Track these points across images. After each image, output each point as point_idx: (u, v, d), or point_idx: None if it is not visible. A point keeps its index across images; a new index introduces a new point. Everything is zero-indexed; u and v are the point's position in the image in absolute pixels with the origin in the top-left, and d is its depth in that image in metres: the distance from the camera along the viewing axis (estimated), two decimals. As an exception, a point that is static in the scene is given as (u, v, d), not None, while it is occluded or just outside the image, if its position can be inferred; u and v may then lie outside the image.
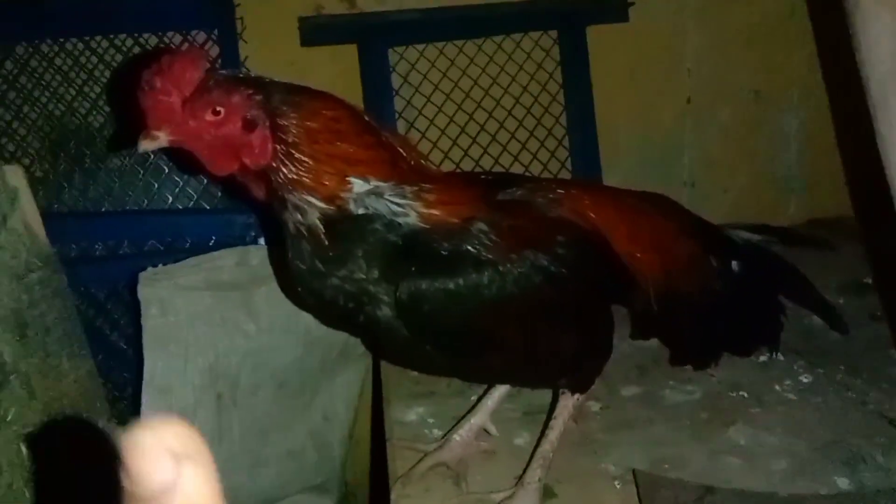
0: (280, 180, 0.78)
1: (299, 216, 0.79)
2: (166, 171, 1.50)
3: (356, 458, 1.53)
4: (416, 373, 1.25)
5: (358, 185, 0.80)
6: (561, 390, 0.95)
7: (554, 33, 1.65)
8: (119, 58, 1.49)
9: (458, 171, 1.56)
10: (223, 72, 0.84)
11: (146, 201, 1.49)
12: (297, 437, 1.31)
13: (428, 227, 0.81)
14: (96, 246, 1.39)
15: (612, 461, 0.99)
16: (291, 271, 0.85)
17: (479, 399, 1.07)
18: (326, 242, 0.80)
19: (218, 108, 0.76)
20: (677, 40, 1.73)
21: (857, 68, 0.88)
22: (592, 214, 0.91)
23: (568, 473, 0.96)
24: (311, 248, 0.80)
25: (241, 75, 0.84)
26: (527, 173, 1.61)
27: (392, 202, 0.81)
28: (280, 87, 0.80)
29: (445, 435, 1.04)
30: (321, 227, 0.79)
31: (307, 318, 1.27)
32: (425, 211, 0.82)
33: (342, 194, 0.79)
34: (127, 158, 1.49)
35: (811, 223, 1.81)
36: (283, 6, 1.55)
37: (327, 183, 0.78)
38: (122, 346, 1.33)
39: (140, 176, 1.49)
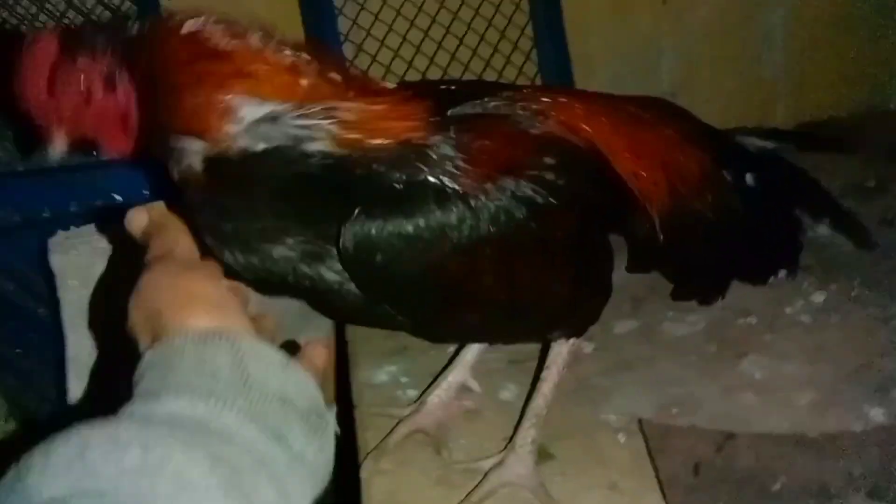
0: (156, 130, 0.63)
1: (177, 165, 0.63)
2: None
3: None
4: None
5: (247, 113, 0.62)
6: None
7: (514, -71, 1.47)
8: None
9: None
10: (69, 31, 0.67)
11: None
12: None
13: (357, 154, 0.63)
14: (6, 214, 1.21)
15: (613, 410, 0.87)
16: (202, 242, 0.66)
17: (458, 351, 0.93)
18: (218, 194, 0.63)
19: (78, 80, 0.63)
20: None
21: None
22: (586, 127, 0.74)
23: (564, 428, 0.84)
24: (201, 204, 0.64)
25: (85, 32, 0.66)
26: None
27: (292, 125, 0.62)
28: (129, 27, 0.64)
29: (421, 396, 0.90)
30: (204, 172, 0.62)
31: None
32: (342, 132, 0.63)
33: (227, 127, 0.62)
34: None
35: (801, 127, 1.67)
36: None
37: (203, 116, 0.62)
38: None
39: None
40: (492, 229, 0.65)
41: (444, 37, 1.45)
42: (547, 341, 0.84)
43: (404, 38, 1.44)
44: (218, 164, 0.62)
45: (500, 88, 0.78)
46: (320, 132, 0.63)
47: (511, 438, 0.80)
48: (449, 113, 0.70)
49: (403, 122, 0.66)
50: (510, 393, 0.92)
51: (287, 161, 0.62)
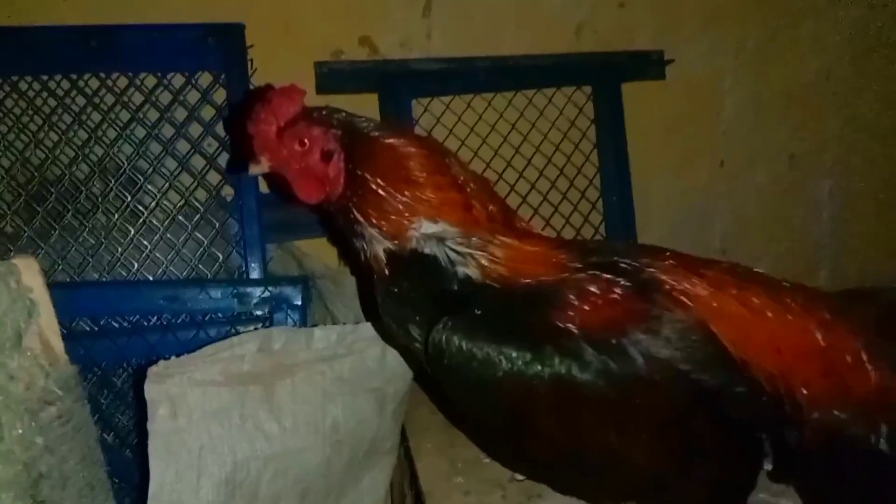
0: (351, 211, 0.81)
1: (367, 247, 0.82)
2: (159, 230, 1.30)
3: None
4: (461, 479, 1.09)
5: (424, 226, 0.79)
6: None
7: (588, 89, 1.53)
8: (110, 99, 1.30)
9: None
10: (317, 108, 0.87)
11: (136, 266, 1.28)
12: (320, 550, 1.12)
13: (488, 282, 0.76)
14: (77, 321, 1.17)
15: None
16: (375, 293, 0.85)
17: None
18: (388, 275, 0.81)
19: (304, 140, 0.82)
20: (714, 101, 1.63)
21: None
22: (735, 301, 0.76)
23: None
24: (377, 277, 0.82)
25: (329, 111, 0.85)
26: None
27: (452, 249, 0.78)
28: (363, 122, 0.83)
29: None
30: (384, 259, 0.81)
31: (335, 413, 1.09)
32: (489, 265, 0.77)
33: (407, 232, 0.79)
34: (115, 214, 1.29)
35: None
36: (299, 49, 1.39)
37: (393, 219, 0.79)
38: (115, 444, 1.11)
39: (129, 236, 1.29)
40: (581, 377, 0.69)
41: (516, 180, 1.48)
42: None
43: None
44: (395, 256, 0.80)
45: (637, 251, 0.81)
46: (472, 261, 0.77)
47: None
48: (585, 263, 0.77)
49: (543, 268, 0.76)
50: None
51: (441, 275, 0.78)
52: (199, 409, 0.97)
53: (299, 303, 1.18)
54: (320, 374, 1.08)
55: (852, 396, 0.76)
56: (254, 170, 0.83)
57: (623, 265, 0.78)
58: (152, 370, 0.93)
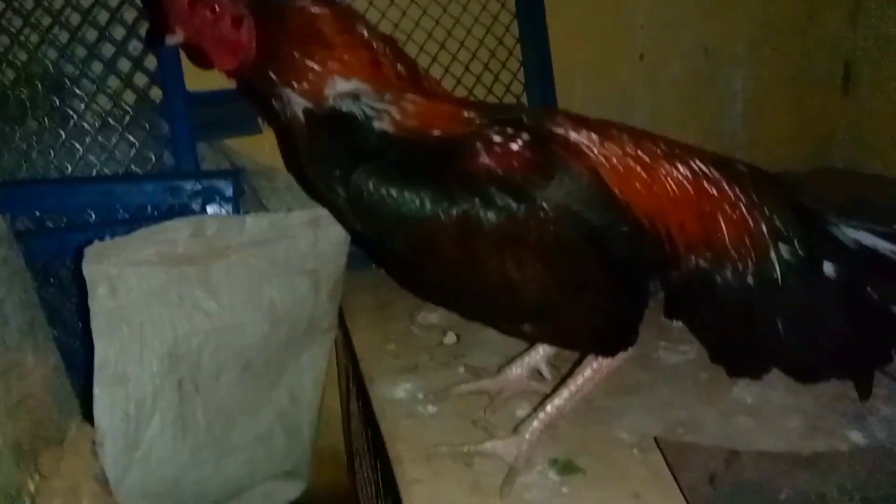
0: (267, 74, 0.84)
1: (286, 109, 0.85)
2: (91, 132, 1.32)
3: (325, 440, 1.44)
4: (393, 346, 1.18)
5: (338, 85, 0.83)
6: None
7: (509, -18, 1.57)
8: (30, 4, 1.30)
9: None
10: None
11: (70, 169, 1.31)
12: (265, 420, 1.20)
13: (402, 135, 0.82)
14: (18, 220, 1.21)
15: (625, 429, 0.95)
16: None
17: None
18: (308, 134, 0.85)
19: (214, 7, 0.85)
20: (630, -4, 1.69)
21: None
22: (618, 155, 0.84)
23: (583, 445, 0.91)
24: (299, 137, 0.86)
25: None
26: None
27: (367, 105, 0.82)
28: None
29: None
30: (303, 119, 0.84)
31: (271, 293, 1.16)
32: (402, 119, 0.82)
33: (322, 91, 0.83)
34: (45, 120, 1.31)
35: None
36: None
37: (308, 78, 0.83)
38: (61, 332, 1.16)
39: (61, 140, 1.31)
40: (486, 218, 0.77)
41: (442, 77, 1.53)
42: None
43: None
44: (314, 117, 0.83)
45: (541, 109, 0.89)
46: (387, 116, 0.82)
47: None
48: (491, 120, 0.83)
49: (452, 122, 0.83)
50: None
51: (357, 130, 0.82)
52: (136, 289, 1.03)
53: (231, 195, 1.22)
54: (254, 257, 1.14)
55: (724, 238, 0.85)
56: (170, 41, 0.86)
57: (525, 122, 0.85)
58: (89, 250, 0.98)
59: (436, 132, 0.82)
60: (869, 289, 0.84)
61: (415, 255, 0.82)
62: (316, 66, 0.82)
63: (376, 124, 0.82)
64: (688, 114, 1.81)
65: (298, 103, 0.84)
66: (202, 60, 0.88)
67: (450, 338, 1.20)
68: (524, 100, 1.59)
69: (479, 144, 0.80)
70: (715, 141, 1.83)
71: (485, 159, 0.79)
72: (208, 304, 1.09)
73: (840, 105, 1.91)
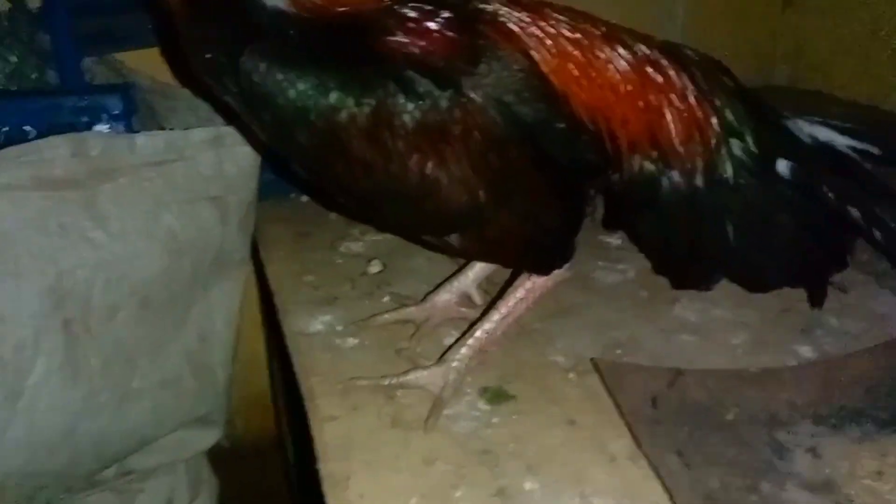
0: None
1: None
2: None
3: (242, 382, 1.34)
4: (312, 277, 1.08)
5: None
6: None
7: None
8: None
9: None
10: None
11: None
12: (171, 363, 1.09)
13: (301, 13, 0.69)
14: None
15: (559, 352, 0.87)
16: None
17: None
18: (191, 18, 0.72)
19: None
20: None
21: None
22: (553, 37, 0.73)
23: (515, 370, 0.84)
24: (181, 25, 0.73)
25: None
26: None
27: None
28: None
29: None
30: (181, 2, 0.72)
31: (170, 220, 1.03)
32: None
33: None
34: None
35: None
36: None
37: None
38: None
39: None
40: (406, 111, 0.67)
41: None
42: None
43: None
44: None
45: None
46: None
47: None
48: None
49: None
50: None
51: (247, 8, 0.69)
52: (10, 217, 0.90)
53: (121, 112, 1.09)
54: (148, 180, 1.01)
55: (671, 135, 0.76)
56: None
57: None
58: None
59: (341, 9, 0.69)
60: (825, 188, 0.76)
61: (320, 154, 0.70)
62: None
63: (269, 1, 0.69)
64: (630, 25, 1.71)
65: None
66: None
67: (374, 266, 1.10)
68: None
69: (393, 22, 0.69)
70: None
71: (401, 38, 0.68)
72: (95, 234, 0.96)
73: (781, 21, 1.85)
